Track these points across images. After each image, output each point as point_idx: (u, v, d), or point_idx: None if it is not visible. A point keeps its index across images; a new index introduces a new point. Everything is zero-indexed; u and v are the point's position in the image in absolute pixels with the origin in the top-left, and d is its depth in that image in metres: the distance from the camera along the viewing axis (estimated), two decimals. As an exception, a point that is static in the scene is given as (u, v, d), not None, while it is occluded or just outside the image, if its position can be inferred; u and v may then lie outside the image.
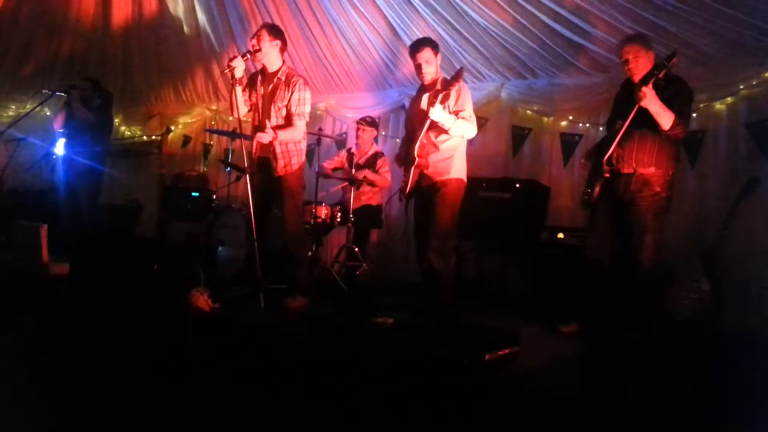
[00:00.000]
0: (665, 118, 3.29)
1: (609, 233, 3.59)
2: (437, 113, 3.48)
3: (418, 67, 3.75)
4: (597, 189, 3.54)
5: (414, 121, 3.81)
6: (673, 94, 3.36)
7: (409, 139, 3.83)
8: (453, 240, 3.72)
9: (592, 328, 3.51)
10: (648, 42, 3.55)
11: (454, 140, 3.69)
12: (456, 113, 3.60)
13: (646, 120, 3.32)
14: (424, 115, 3.55)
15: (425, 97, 3.70)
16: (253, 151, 4.00)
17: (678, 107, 3.33)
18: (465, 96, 3.68)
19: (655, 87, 3.26)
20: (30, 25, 7.05)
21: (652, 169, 3.40)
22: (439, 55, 3.77)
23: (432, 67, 3.73)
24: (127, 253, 4.11)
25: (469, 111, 3.66)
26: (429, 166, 3.67)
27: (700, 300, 3.74)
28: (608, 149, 3.46)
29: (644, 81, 3.29)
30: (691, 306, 3.75)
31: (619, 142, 3.44)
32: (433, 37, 5.16)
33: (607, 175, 3.50)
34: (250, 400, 2.87)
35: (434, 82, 3.75)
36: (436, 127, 3.60)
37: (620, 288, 3.53)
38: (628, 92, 3.51)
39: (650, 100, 3.26)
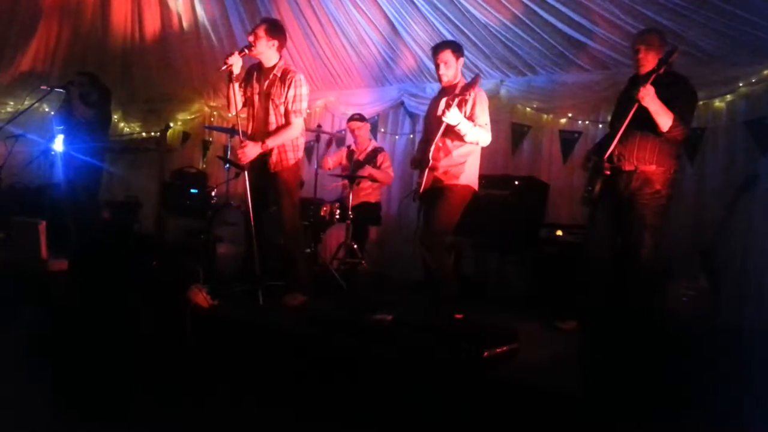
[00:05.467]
0: (664, 119, 3.27)
1: (610, 231, 3.59)
2: (453, 117, 3.44)
3: (437, 68, 3.74)
4: (598, 186, 3.53)
5: (431, 124, 3.79)
6: (676, 94, 3.33)
7: (426, 142, 3.82)
8: (444, 239, 3.70)
9: (593, 324, 3.51)
10: (663, 39, 3.51)
11: (467, 147, 3.67)
12: (472, 120, 3.58)
13: (647, 118, 3.30)
14: (441, 122, 3.54)
15: (443, 102, 3.70)
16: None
17: (679, 108, 3.31)
18: (482, 103, 3.65)
19: (657, 84, 3.25)
20: (28, 21, 7.02)
21: (654, 167, 3.39)
22: (461, 59, 3.73)
23: (451, 69, 3.69)
24: (126, 250, 4.11)
25: (484, 119, 3.63)
26: (439, 169, 3.67)
27: (698, 297, 3.74)
28: (608, 147, 3.46)
29: (644, 79, 3.29)
30: (690, 303, 3.76)
31: (620, 140, 3.43)
32: (433, 34, 5.18)
33: (608, 172, 3.49)
34: (249, 397, 2.88)
35: (453, 86, 3.72)
36: (452, 132, 3.58)
37: (620, 285, 3.54)
38: (632, 88, 3.50)
39: (650, 100, 3.24)
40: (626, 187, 3.45)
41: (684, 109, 3.36)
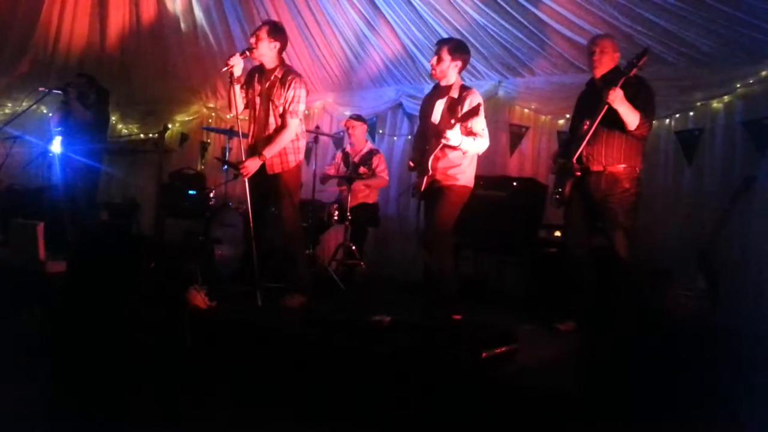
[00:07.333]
0: (632, 118, 3.36)
1: (584, 229, 3.68)
2: (454, 139, 3.47)
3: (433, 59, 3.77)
4: (568, 187, 3.60)
5: (427, 122, 3.78)
6: (635, 93, 3.41)
7: (421, 139, 3.84)
8: (447, 238, 3.70)
9: (586, 324, 3.52)
10: (616, 43, 3.63)
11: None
12: (470, 130, 3.59)
13: (612, 119, 3.38)
14: (437, 130, 3.56)
15: (438, 104, 3.69)
16: (245, 150, 3.97)
17: (643, 106, 3.41)
18: (478, 110, 3.62)
19: (623, 86, 3.32)
20: (26, 23, 7.02)
21: (621, 167, 3.47)
22: (456, 61, 3.68)
23: (442, 65, 3.67)
24: (124, 251, 4.10)
25: (481, 125, 3.63)
26: (438, 171, 3.67)
27: (696, 298, 3.75)
28: (577, 148, 3.50)
29: (613, 81, 3.35)
30: (688, 303, 3.77)
31: (587, 141, 3.48)
32: (431, 35, 5.19)
33: (578, 173, 3.54)
34: (248, 398, 2.87)
35: (448, 88, 3.71)
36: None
37: (604, 284, 3.59)
38: (592, 91, 3.61)
39: (619, 102, 3.32)
40: (596, 188, 3.52)
41: (647, 106, 3.46)
